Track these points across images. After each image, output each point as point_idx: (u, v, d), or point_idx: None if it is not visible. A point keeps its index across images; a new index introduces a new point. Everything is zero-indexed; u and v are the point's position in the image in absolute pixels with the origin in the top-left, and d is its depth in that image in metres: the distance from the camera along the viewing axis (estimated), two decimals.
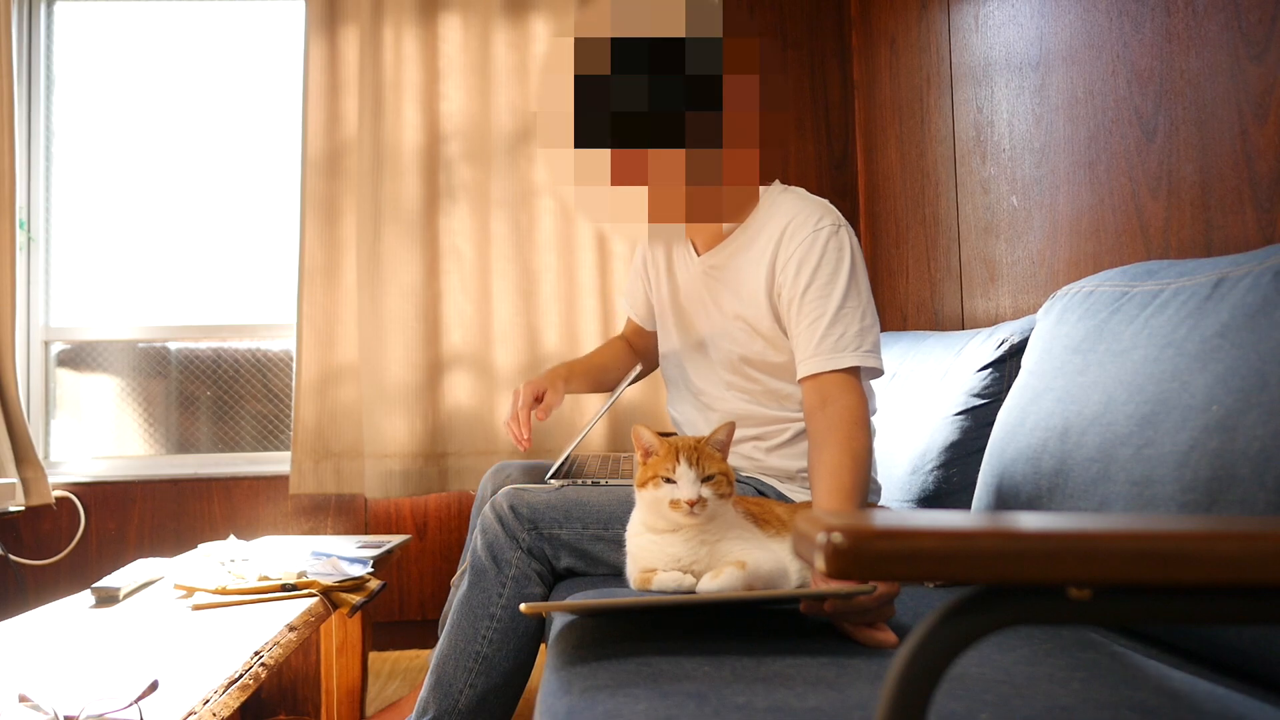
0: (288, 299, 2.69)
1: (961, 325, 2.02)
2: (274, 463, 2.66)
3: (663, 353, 1.67)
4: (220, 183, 2.76)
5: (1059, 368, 1.15)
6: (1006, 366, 1.46)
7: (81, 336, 2.69)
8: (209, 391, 2.74)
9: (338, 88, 2.58)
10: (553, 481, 1.50)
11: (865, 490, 1.21)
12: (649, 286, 1.71)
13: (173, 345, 2.74)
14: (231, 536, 2.13)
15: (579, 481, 1.50)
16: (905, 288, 2.32)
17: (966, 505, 1.46)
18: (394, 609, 2.56)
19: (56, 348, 2.70)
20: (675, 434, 1.65)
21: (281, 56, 2.78)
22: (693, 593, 1.14)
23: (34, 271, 2.66)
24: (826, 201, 1.47)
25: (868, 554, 0.44)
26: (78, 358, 2.71)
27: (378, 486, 2.44)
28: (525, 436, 1.52)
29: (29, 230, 2.65)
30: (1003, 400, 1.42)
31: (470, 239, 2.56)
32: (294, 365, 2.53)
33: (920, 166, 2.23)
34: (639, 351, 1.82)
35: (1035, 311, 1.63)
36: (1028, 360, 1.29)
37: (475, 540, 1.44)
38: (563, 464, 1.58)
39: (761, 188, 1.50)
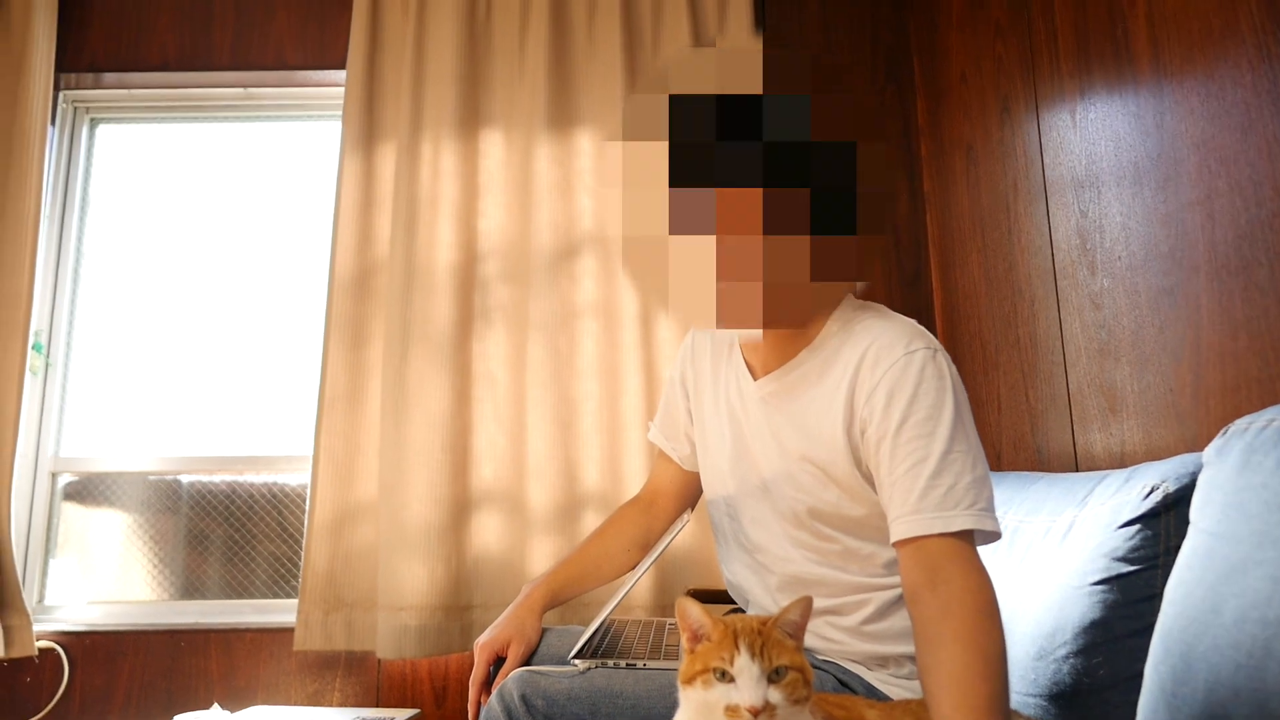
0: (307, 430, 2.48)
1: (1075, 466, 1.70)
2: (283, 611, 2.39)
3: (709, 499, 1.38)
4: (247, 307, 2.61)
5: (1263, 531, 0.84)
6: (1161, 522, 1.14)
7: (91, 468, 2.50)
8: (221, 530, 2.50)
9: (371, 205, 2.44)
10: (577, 662, 1.20)
11: (1006, 706, 0.89)
12: (688, 415, 1.43)
13: (185, 478, 2.53)
14: (215, 706, 1.85)
15: (611, 663, 1.19)
16: (997, 421, 2.01)
17: (1118, 704, 1.11)
18: None
19: (64, 479, 2.51)
20: (735, 606, 1.35)
21: (315, 175, 2.68)
22: None
23: (49, 398, 2.51)
24: (915, 321, 1.20)
25: None
26: (85, 491, 2.52)
27: (391, 644, 2.13)
28: (472, 717, 1.26)
29: (47, 354, 2.51)
30: (1161, 568, 1.10)
31: (505, 363, 2.34)
32: (307, 502, 2.29)
33: (1010, 281, 1.96)
34: (665, 510, 1.49)
35: (1183, 450, 1.31)
36: (1203, 518, 0.97)
37: None
38: (591, 637, 1.27)
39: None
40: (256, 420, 2.56)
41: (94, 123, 2.68)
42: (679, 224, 1.04)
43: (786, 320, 1.14)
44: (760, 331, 1.19)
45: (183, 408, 2.57)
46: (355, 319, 2.37)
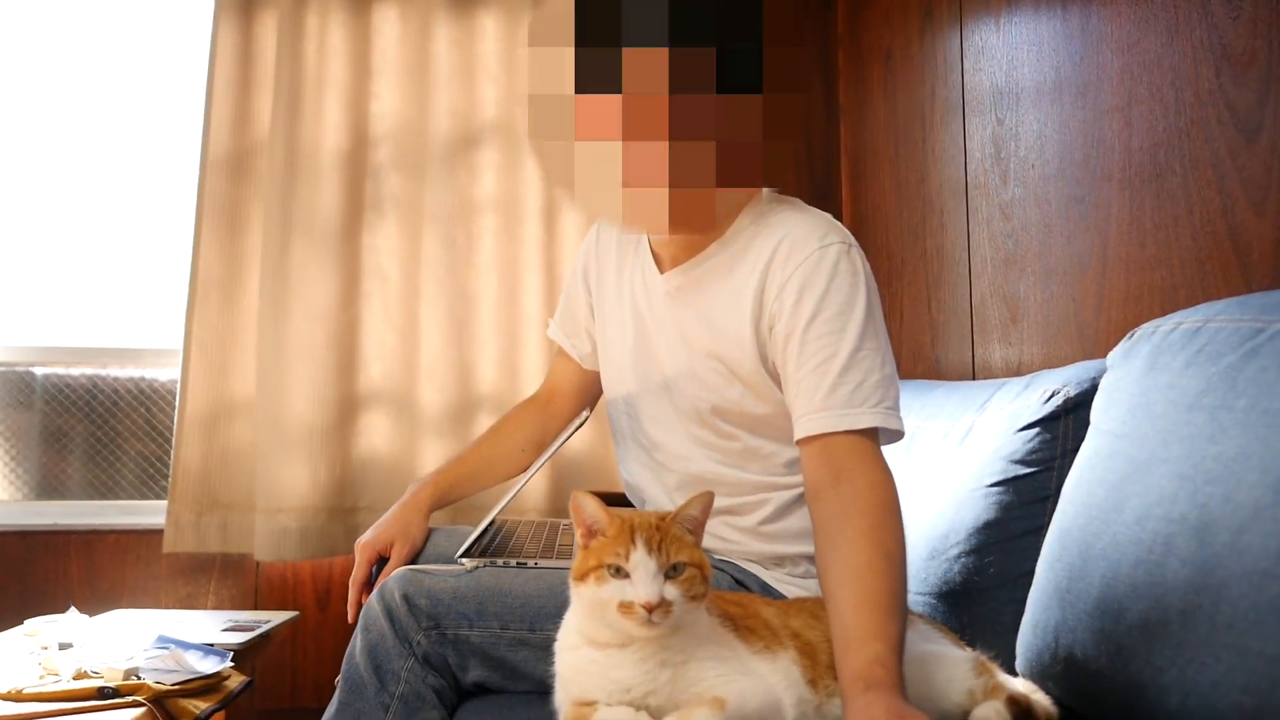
0: (178, 323, 2.30)
1: (972, 375, 1.71)
2: (152, 513, 2.24)
3: (609, 397, 1.33)
4: (109, 183, 2.37)
5: (1169, 430, 0.83)
6: (1060, 426, 1.14)
7: None
8: (82, 427, 2.32)
9: (250, 80, 2.22)
10: (465, 561, 1.13)
11: (905, 603, 0.87)
12: (590, 310, 1.36)
13: (39, 371, 2.32)
14: (72, 609, 1.72)
15: (500, 562, 1.14)
16: (898, 332, 2.01)
17: (1006, 601, 1.12)
18: (284, 694, 2.14)
19: None
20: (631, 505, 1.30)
21: (186, 44, 2.42)
22: None
23: None
24: (830, 216, 1.16)
25: None
26: None
27: (269, 546, 2.03)
28: (352, 618, 1.18)
29: None
30: (1056, 470, 1.10)
31: (397, 258, 2.20)
32: (177, 397, 2.13)
33: (921, 193, 1.93)
34: (562, 409, 1.43)
35: (1080, 359, 1.32)
36: (1106, 419, 0.97)
37: (355, 641, 1.06)
38: (480, 537, 1.21)
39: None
40: (120, 310, 2.36)
41: None
42: (584, 85, 0.98)
43: (696, 189, 1.09)
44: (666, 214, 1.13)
45: (36, 294, 2.34)
46: (231, 202, 2.17)
